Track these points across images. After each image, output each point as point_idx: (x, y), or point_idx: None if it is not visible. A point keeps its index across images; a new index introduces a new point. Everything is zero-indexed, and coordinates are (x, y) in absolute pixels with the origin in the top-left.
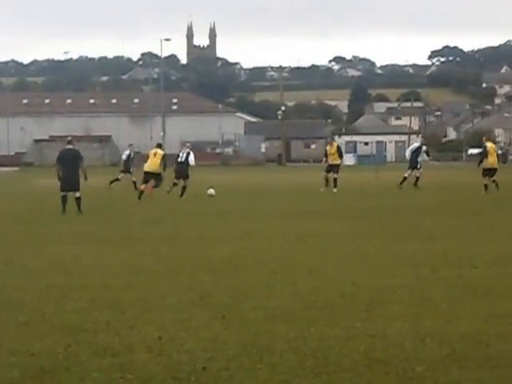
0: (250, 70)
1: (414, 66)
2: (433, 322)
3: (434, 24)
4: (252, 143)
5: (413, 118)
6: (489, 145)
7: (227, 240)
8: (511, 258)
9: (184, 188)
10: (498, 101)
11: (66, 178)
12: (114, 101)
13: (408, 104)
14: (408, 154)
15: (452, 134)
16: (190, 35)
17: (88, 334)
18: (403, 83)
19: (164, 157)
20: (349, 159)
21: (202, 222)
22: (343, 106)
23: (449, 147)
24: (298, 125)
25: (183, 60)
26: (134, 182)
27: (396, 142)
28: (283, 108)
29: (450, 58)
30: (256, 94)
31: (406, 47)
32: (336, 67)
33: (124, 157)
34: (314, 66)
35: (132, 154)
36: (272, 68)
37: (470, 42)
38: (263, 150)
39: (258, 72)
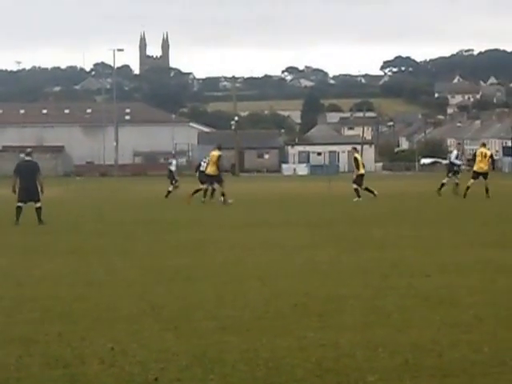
0: (203, 80)
1: (366, 76)
2: (384, 331)
3: (387, 34)
4: (205, 153)
5: (365, 128)
6: (479, 150)
7: (179, 250)
8: (462, 266)
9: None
10: (450, 111)
11: (24, 189)
12: (66, 111)
13: (361, 114)
14: (453, 160)
15: (404, 144)
16: (142, 45)
17: (39, 345)
18: (356, 93)
19: (219, 157)
20: (302, 169)
21: (154, 232)
22: (296, 116)
23: (401, 157)
24: (252, 135)
25: (136, 70)
26: (169, 192)
27: (349, 152)
28: (236, 118)
29: (403, 68)
30: (209, 104)
31: (358, 57)
32: (289, 77)
33: (173, 168)
34: (266, 77)
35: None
36: (225, 78)
37: (423, 52)
38: None
39: (211, 82)
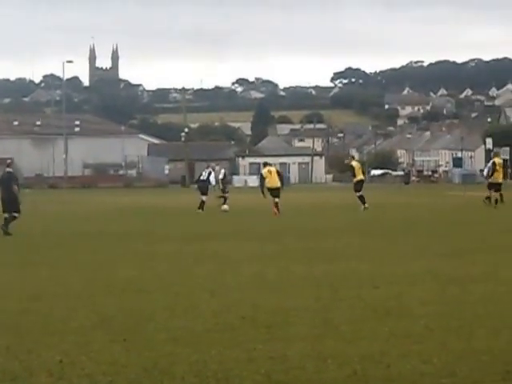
0: (153, 91)
1: (316, 87)
2: (334, 343)
3: (337, 46)
4: (155, 165)
5: (316, 139)
6: (496, 161)
7: (129, 262)
8: (413, 277)
9: (203, 202)
10: (400, 122)
11: (4, 200)
12: (15, 123)
13: (311, 126)
14: (486, 172)
15: (355, 156)
16: (92, 57)
17: None
18: (306, 105)
19: (278, 172)
20: (253, 181)
21: (103, 244)
22: (246, 127)
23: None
24: (202, 146)
25: (86, 82)
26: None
27: (299, 163)
28: (186, 130)
29: (353, 80)
30: (159, 115)
31: (308, 69)
32: (239, 89)
33: (221, 176)
34: (217, 88)
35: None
36: (175, 90)
37: (373, 63)
38: (167, 171)
39: (161, 94)
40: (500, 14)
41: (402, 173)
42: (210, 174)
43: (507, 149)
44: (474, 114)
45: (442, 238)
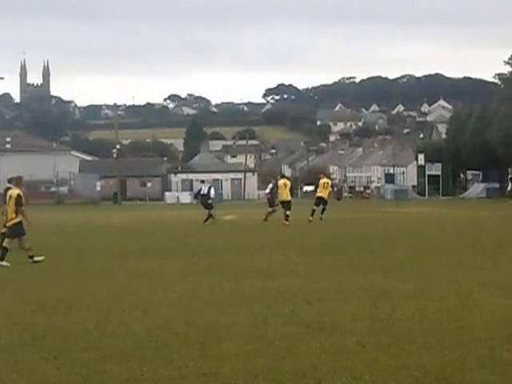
0: (85, 108)
1: (249, 104)
2: (266, 359)
3: (269, 62)
4: (87, 182)
5: (248, 155)
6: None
7: (60, 280)
8: (343, 293)
9: (210, 216)
10: (332, 138)
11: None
12: None
13: (243, 142)
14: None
15: (287, 172)
16: (23, 73)
17: None
18: (238, 121)
19: (291, 185)
20: (185, 197)
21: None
22: (179, 144)
23: None
24: (134, 163)
25: (17, 98)
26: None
27: (232, 179)
28: (118, 146)
29: (285, 96)
30: (91, 132)
31: (241, 85)
32: (171, 105)
33: (267, 190)
34: (149, 104)
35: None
36: (107, 106)
37: (305, 80)
38: (98, 188)
39: (93, 110)
40: (431, 29)
41: (334, 189)
42: (209, 188)
43: (439, 164)
44: (406, 130)
45: (374, 253)
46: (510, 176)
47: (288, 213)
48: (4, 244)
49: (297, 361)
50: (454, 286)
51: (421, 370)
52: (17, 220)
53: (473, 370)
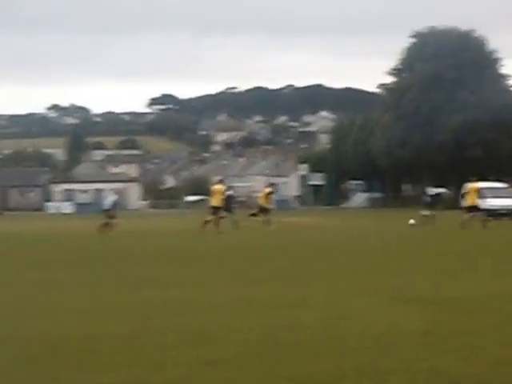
0: None
1: (132, 113)
2: (141, 370)
3: (153, 72)
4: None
5: (131, 165)
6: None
7: None
8: (222, 303)
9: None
10: (215, 148)
11: None
12: None
13: (126, 152)
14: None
15: (170, 182)
16: None
17: None
18: (121, 131)
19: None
20: (66, 207)
21: None
22: (61, 153)
23: (167, 194)
24: (15, 173)
25: None
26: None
27: (114, 189)
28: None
29: (169, 106)
30: None
31: (123, 95)
32: (53, 115)
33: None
34: (30, 114)
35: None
36: None
37: (188, 90)
38: None
39: None
40: (314, 39)
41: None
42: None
43: (322, 174)
44: (289, 140)
45: (254, 263)
46: (426, 189)
47: (209, 218)
48: None
49: (170, 372)
50: (336, 295)
51: (293, 382)
52: None
53: (349, 380)
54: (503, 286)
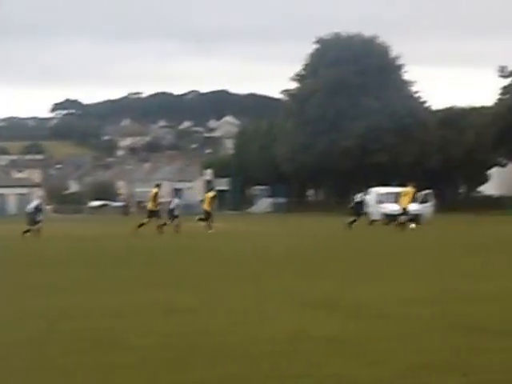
0: None
1: (36, 118)
2: (49, 375)
3: (56, 77)
4: None
5: (35, 170)
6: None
7: None
8: (130, 309)
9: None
10: (120, 153)
11: None
12: None
13: (30, 157)
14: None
15: (74, 187)
16: None
17: None
18: (25, 136)
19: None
20: None
21: None
22: None
23: (71, 200)
24: None
25: None
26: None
27: (18, 194)
28: None
29: (72, 111)
30: None
31: (27, 100)
32: None
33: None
34: None
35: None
36: None
37: (92, 95)
38: None
39: None
40: (218, 45)
41: (121, 204)
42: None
43: (227, 179)
44: (193, 145)
45: (159, 267)
46: (354, 196)
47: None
48: None
49: (79, 378)
50: (242, 300)
51: None
52: None
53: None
54: (413, 290)
